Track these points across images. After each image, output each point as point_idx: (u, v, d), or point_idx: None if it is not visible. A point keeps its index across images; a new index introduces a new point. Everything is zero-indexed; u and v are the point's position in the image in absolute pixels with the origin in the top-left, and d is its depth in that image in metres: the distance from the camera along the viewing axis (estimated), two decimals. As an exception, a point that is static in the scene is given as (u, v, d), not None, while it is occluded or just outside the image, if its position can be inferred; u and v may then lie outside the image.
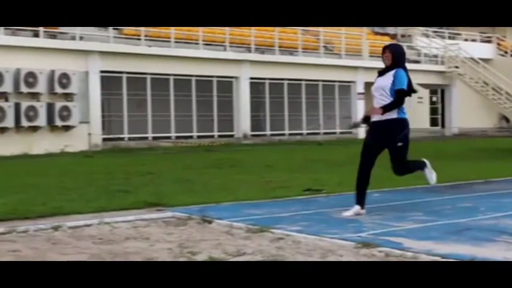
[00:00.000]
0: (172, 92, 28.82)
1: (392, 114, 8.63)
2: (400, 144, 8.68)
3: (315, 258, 6.04)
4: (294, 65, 32.52)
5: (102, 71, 26.07)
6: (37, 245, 6.73)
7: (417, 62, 39.47)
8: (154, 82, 28.29)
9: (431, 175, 9.08)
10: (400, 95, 8.59)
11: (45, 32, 24.81)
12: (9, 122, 22.86)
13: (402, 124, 8.74)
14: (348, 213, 8.57)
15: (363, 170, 8.75)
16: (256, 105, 31.85)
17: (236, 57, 30.45)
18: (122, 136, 27.27)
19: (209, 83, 30.07)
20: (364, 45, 36.04)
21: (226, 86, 30.64)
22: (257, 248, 6.41)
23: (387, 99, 8.59)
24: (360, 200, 8.70)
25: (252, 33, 31.15)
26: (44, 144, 23.65)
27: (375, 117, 8.74)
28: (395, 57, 8.69)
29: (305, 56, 33.43)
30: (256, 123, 31.90)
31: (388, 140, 8.69)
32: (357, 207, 8.64)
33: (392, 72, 8.61)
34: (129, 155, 21.89)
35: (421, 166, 9.11)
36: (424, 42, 41.06)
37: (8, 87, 22.98)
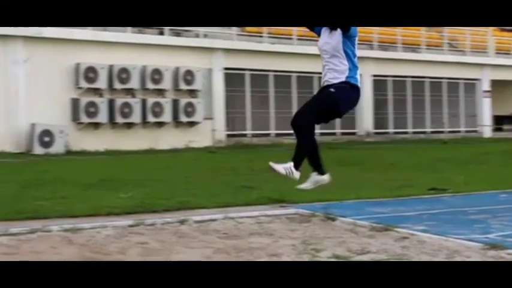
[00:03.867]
0: (294, 89, 28.93)
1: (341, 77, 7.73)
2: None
3: (440, 258, 5.94)
4: (417, 62, 32.08)
5: (225, 68, 26.44)
6: (164, 237, 6.87)
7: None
8: (277, 79, 28.47)
9: (312, 182, 7.72)
10: None
11: (170, 30, 25.34)
12: (136, 117, 23.49)
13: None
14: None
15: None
16: (379, 103, 31.58)
17: (358, 54, 30.22)
18: (244, 132, 27.58)
19: (331, 80, 30.00)
20: (490, 42, 35.16)
21: (349, 83, 30.50)
22: (381, 247, 6.36)
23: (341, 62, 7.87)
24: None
25: (375, 30, 30.88)
26: (169, 139, 24.19)
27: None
28: None
29: (428, 53, 32.91)
30: (379, 121, 31.63)
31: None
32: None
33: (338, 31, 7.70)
34: (252, 151, 22.10)
35: (317, 165, 7.69)
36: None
37: (134, 83, 23.61)
